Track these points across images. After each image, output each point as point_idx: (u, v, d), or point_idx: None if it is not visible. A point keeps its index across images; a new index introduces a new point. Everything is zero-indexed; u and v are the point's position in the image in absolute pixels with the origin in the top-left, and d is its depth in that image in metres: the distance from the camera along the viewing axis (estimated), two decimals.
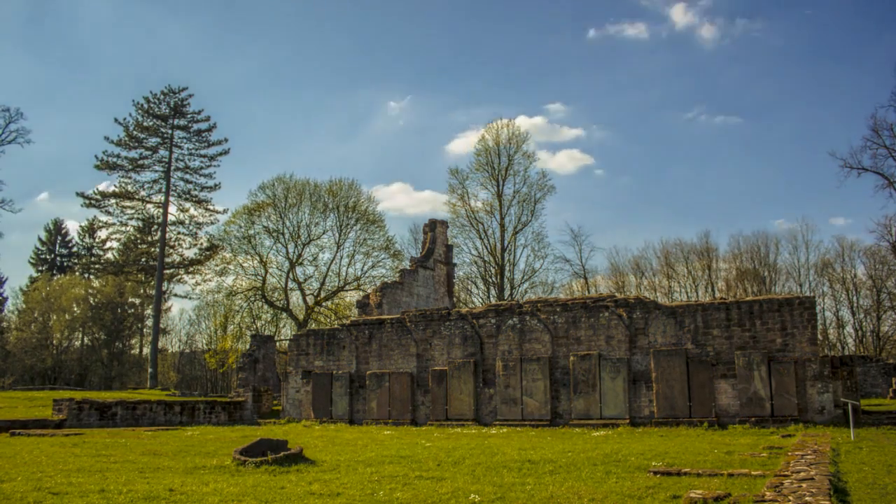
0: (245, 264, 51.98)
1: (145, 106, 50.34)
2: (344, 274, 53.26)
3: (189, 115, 51.13)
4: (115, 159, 49.70)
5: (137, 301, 64.43)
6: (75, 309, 59.91)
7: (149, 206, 51.12)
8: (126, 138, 49.95)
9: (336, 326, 32.37)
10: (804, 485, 8.01)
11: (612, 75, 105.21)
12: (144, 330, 65.88)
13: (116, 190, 49.99)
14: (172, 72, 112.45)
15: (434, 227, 42.43)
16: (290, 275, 52.57)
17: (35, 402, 30.55)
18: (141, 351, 66.93)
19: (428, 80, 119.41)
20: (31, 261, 70.95)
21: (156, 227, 53.67)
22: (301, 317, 51.53)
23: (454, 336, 27.42)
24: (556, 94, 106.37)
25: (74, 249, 72.59)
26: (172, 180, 50.61)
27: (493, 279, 55.09)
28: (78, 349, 60.63)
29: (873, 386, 34.96)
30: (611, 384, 24.18)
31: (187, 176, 51.36)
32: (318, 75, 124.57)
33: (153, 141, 50.59)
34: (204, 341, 67.60)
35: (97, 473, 11.00)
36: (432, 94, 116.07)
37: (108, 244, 68.74)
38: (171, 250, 51.53)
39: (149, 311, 62.30)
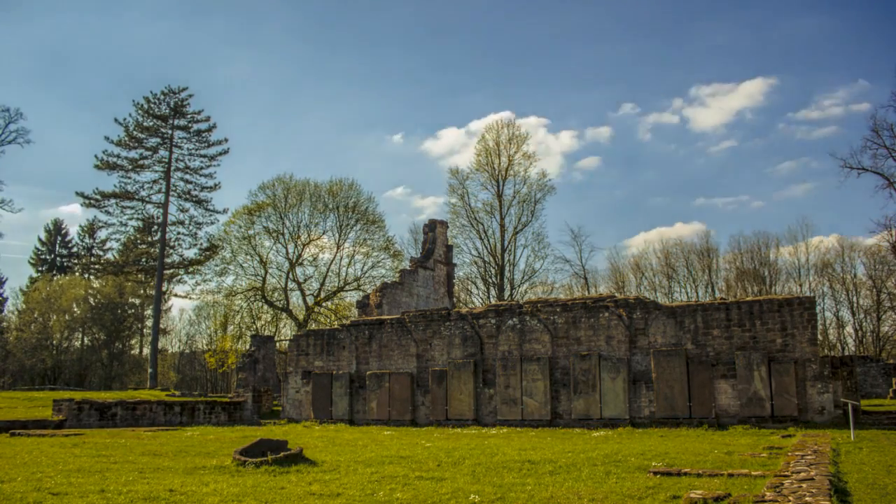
0: (245, 264, 52.07)
1: (145, 106, 50.31)
2: (344, 274, 53.34)
3: (189, 116, 51.10)
4: (115, 159, 49.68)
5: (137, 301, 64.42)
6: (75, 309, 59.90)
7: (149, 206, 51.12)
8: (126, 138, 49.91)
9: (336, 327, 32.37)
10: (804, 485, 8.00)
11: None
12: (144, 330, 65.87)
13: (116, 190, 49.95)
14: (172, 72, 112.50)
15: (434, 227, 42.43)
16: (290, 275, 52.61)
17: (35, 403, 30.54)
18: (141, 351, 66.93)
19: (427, 76, 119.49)
20: (31, 261, 70.97)
21: (156, 227, 53.65)
22: (301, 317, 51.54)
23: (454, 336, 27.41)
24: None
25: (74, 250, 72.63)
26: (172, 180, 50.60)
27: (493, 279, 55.10)
28: (78, 349, 60.60)
29: (873, 386, 34.96)
30: (611, 384, 24.17)
31: (187, 176, 51.36)
32: (317, 75, 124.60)
33: (153, 141, 50.57)
34: (204, 341, 67.67)
35: (97, 474, 10.99)
36: (432, 91, 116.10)
37: (108, 244, 68.92)
38: (171, 250, 51.49)
39: (149, 312, 62.28)
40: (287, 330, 57.19)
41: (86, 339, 61.54)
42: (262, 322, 55.52)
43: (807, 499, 7.05)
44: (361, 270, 53.14)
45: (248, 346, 39.29)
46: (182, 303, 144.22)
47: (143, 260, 54.46)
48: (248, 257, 52.08)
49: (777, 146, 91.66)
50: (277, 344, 46.33)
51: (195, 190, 51.35)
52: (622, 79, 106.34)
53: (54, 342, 58.64)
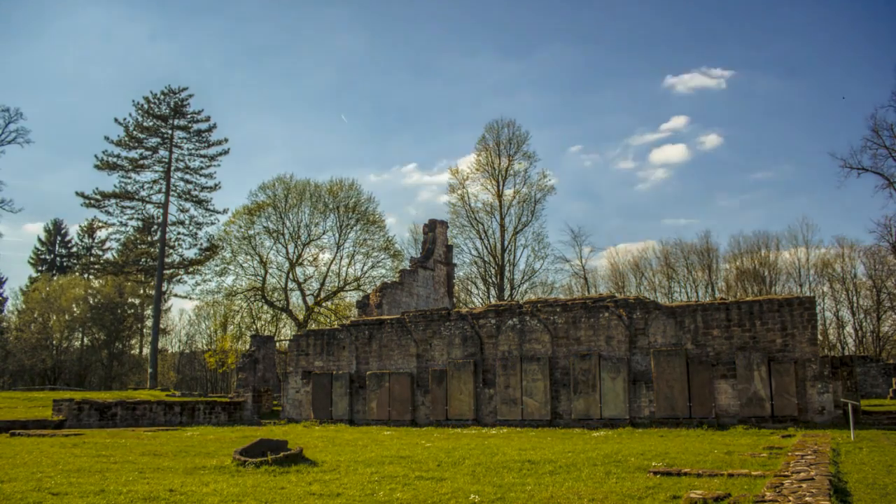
0: (245, 264, 52.07)
1: (145, 106, 50.33)
2: (344, 274, 53.35)
3: (189, 116, 51.12)
4: (115, 159, 49.69)
5: (137, 301, 64.40)
6: (75, 309, 59.87)
7: (149, 206, 51.13)
8: (126, 138, 49.93)
9: (336, 327, 32.37)
10: (804, 485, 8.00)
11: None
12: (144, 330, 65.86)
13: (116, 190, 49.95)
14: (172, 72, 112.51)
15: (434, 227, 42.41)
16: (290, 275, 52.61)
17: (35, 403, 30.54)
18: (141, 351, 66.91)
19: (425, 76, 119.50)
20: (31, 261, 70.97)
21: (156, 227, 53.66)
22: (301, 317, 51.54)
23: (454, 336, 27.41)
24: None
25: (74, 250, 72.62)
26: (172, 180, 50.61)
27: (493, 279, 55.10)
28: (78, 349, 60.57)
29: (873, 386, 34.97)
30: (611, 384, 24.17)
31: (187, 176, 51.39)
32: (317, 75, 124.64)
33: (153, 141, 50.59)
34: (204, 341, 67.68)
35: (97, 474, 10.99)
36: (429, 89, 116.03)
37: (108, 244, 68.94)
38: (171, 250, 51.50)
39: (149, 312, 62.27)
40: (287, 330, 57.22)
41: (86, 339, 61.52)
42: (262, 322, 55.54)
43: (807, 499, 7.05)
44: (361, 270, 53.20)
45: (248, 346, 39.28)
46: (182, 303, 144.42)
47: (143, 260, 54.46)
48: (248, 257, 52.12)
49: (725, 185, 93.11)
50: (277, 344, 46.31)
51: (195, 190, 51.39)
52: (566, 123, 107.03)
53: (54, 342, 58.61)
